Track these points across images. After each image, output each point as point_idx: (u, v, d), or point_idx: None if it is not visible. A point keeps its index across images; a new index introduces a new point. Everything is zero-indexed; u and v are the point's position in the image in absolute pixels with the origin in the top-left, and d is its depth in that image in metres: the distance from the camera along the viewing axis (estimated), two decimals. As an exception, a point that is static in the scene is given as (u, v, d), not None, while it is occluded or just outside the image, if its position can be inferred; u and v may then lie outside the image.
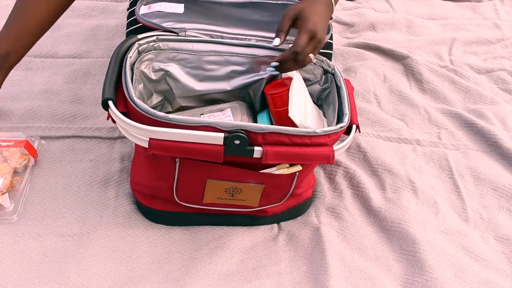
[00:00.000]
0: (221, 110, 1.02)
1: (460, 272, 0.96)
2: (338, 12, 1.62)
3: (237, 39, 1.02)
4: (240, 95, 1.07)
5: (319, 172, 1.14)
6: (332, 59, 1.14)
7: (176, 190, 0.92)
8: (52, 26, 1.40)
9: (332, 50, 1.16)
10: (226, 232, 1.01)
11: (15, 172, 1.05)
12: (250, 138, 0.81)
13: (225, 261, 0.96)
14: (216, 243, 0.99)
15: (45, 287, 0.88)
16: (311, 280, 0.94)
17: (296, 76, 0.96)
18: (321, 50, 1.03)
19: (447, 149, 1.23)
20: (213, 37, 1.00)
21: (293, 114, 0.91)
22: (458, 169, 1.18)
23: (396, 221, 1.03)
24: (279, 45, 0.93)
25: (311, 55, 0.92)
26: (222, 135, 0.80)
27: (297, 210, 1.05)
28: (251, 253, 0.99)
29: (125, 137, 1.14)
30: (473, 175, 1.17)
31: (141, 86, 0.99)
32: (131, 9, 1.12)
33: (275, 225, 1.04)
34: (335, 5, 0.98)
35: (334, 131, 0.85)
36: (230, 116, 1.02)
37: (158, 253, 0.97)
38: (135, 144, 0.95)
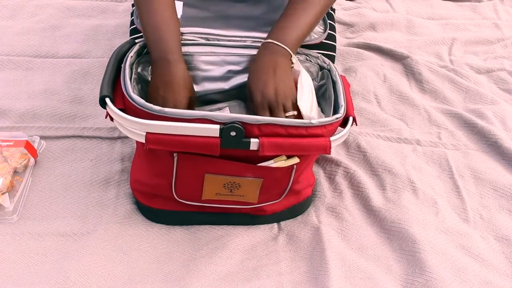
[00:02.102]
0: (220, 109, 1.02)
1: (460, 272, 0.96)
2: (338, 12, 1.62)
3: (233, 41, 1.02)
4: (238, 94, 1.07)
5: (319, 172, 1.14)
6: (336, 61, 1.13)
7: (175, 186, 0.92)
8: (52, 26, 1.42)
9: (335, 52, 1.15)
10: (226, 232, 1.01)
11: (15, 172, 1.05)
12: (246, 130, 0.81)
13: (225, 261, 0.96)
14: (216, 243, 0.99)
15: (45, 287, 0.88)
16: (311, 280, 0.94)
17: (303, 70, 0.96)
18: (324, 52, 1.04)
19: (447, 149, 1.23)
20: (209, 40, 1.00)
21: (302, 103, 0.90)
22: (458, 169, 1.18)
23: (396, 221, 1.03)
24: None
25: (290, 112, 0.89)
26: (218, 127, 0.80)
27: (297, 209, 1.05)
28: (251, 253, 0.99)
29: (125, 137, 1.15)
30: (473, 175, 1.17)
31: (139, 87, 0.99)
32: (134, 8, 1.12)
33: (275, 225, 1.04)
34: (294, 48, 0.93)
35: (330, 122, 0.85)
36: None
37: (158, 253, 0.97)
38: (136, 143, 0.94)
